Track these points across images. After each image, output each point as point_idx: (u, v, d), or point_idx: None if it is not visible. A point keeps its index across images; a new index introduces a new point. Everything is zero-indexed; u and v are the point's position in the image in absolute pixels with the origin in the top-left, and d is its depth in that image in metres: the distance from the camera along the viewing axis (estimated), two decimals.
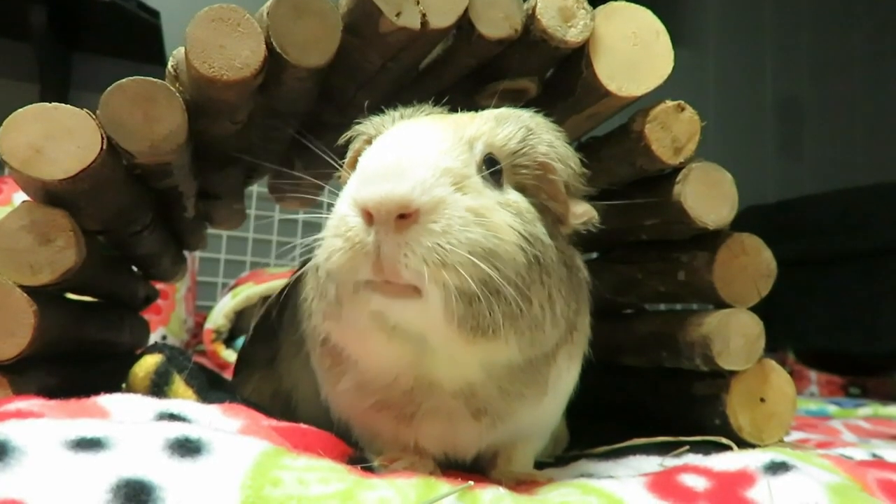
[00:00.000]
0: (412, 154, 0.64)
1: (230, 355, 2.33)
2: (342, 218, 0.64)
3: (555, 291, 0.70)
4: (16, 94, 2.57)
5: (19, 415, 0.64)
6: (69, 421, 0.60)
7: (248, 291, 2.45)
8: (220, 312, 2.44)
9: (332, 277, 0.66)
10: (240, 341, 2.40)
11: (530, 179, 0.73)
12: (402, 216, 0.60)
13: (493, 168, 0.70)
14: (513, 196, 0.71)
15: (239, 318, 2.45)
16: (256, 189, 2.76)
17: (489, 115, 0.75)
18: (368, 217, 0.61)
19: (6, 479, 0.50)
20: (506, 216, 0.67)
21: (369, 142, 0.77)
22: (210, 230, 1.54)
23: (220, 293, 2.83)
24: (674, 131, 0.92)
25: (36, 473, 0.51)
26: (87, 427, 0.58)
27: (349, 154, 0.80)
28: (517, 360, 0.70)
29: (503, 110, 0.76)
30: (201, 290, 2.82)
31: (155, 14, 2.50)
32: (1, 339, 0.77)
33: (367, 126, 0.79)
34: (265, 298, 2.45)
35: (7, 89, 2.61)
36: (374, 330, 0.66)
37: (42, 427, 0.57)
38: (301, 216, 2.99)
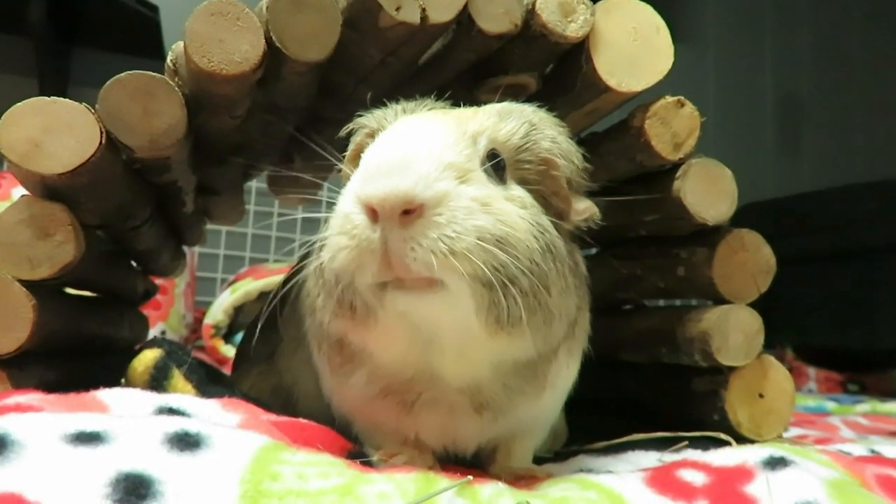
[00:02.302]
0: (415, 149, 0.64)
1: (229, 350, 2.33)
2: (346, 216, 0.63)
3: (566, 283, 0.70)
4: (15, 89, 2.54)
5: (19, 409, 0.64)
6: (68, 415, 0.60)
7: (248, 287, 2.45)
8: (220, 308, 2.44)
9: (340, 278, 0.65)
10: (238, 336, 2.40)
11: (533, 175, 0.73)
12: (406, 211, 0.60)
13: (495, 161, 0.70)
14: (517, 191, 0.71)
15: (238, 313, 2.45)
16: (255, 184, 2.76)
17: (492, 109, 0.75)
18: (373, 214, 0.61)
19: (5, 473, 0.50)
20: (512, 207, 0.67)
21: (371, 135, 0.76)
22: (209, 225, 1.54)
23: (219, 289, 2.82)
24: (674, 127, 0.92)
25: (35, 467, 0.51)
26: (87, 421, 0.58)
27: (351, 147, 0.80)
28: (529, 356, 0.70)
29: (506, 105, 0.76)
30: (200, 286, 2.82)
31: (154, 9, 2.50)
32: (0, 334, 0.77)
33: (368, 119, 0.79)
34: (264, 294, 2.45)
35: (6, 84, 2.60)
36: (399, 329, 0.66)
37: (41, 421, 0.57)
38: (300, 212, 2.99)
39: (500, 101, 0.78)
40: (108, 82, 0.78)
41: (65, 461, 0.52)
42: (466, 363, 0.69)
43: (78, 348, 1.02)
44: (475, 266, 0.61)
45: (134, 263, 1.30)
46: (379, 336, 0.68)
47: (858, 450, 0.99)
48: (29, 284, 0.78)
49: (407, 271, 0.61)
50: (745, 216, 0.99)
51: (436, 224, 0.61)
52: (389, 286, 0.63)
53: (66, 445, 0.54)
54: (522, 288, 0.64)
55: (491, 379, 0.71)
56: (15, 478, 0.49)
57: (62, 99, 0.78)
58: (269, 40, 0.80)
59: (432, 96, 0.81)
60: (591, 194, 0.79)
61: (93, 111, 0.78)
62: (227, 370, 1.49)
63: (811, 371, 3.03)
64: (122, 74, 0.79)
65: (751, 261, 0.98)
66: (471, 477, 0.62)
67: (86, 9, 2.51)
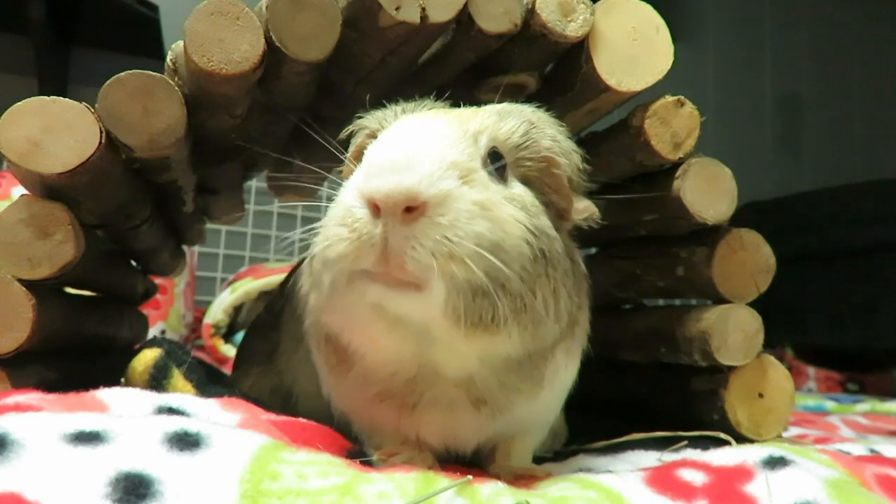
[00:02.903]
0: (419, 147, 0.64)
1: (229, 350, 2.34)
2: (348, 209, 0.64)
3: (560, 285, 0.71)
4: (14, 88, 2.56)
5: (18, 408, 0.64)
6: (68, 414, 0.60)
7: (247, 286, 2.45)
8: (219, 307, 2.44)
9: (329, 266, 0.65)
10: (238, 336, 2.40)
11: (534, 173, 0.74)
12: (409, 209, 0.60)
13: (497, 162, 0.70)
14: (518, 190, 0.71)
15: (238, 312, 2.46)
16: (255, 184, 2.76)
17: (492, 109, 0.75)
18: (375, 209, 0.61)
19: (5, 473, 0.50)
20: (511, 210, 0.67)
21: (372, 135, 0.77)
22: (209, 225, 1.54)
23: (218, 288, 2.83)
24: (673, 126, 0.92)
25: (35, 467, 0.51)
26: (86, 420, 0.58)
27: (352, 148, 0.80)
28: (518, 354, 0.70)
29: (505, 105, 0.76)
30: (200, 285, 2.82)
31: (154, 8, 2.50)
32: (0, 333, 0.77)
33: (369, 120, 0.79)
34: (264, 293, 2.45)
35: (5, 83, 2.60)
36: (373, 320, 0.66)
37: (41, 420, 0.57)
38: (300, 211, 2.99)
39: (499, 100, 0.79)
40: (107, 82, 0.78)
41: (64, 461, 0.52)
42: (455, 355, 0.69)
43: (77, 348, 1.02)
44: (470, 271, 0.61)
45: (134, 263, 1.30)
46: (357, 329, 0.68)
47: (858, 449, 0.99)
48: (29, 284, 0.78)
49: (402, 270, 0.61)
50: (744, 216, 0.99)
51: (437, 224, 0.61)
52: (364, 273, 0.63)
53: (65, 445, 0.54)
54: (510, 291, 0.64)
55: (482, 372, 0.71)
56: (14, 477, 0.49)
57: (62, 98, 0.78)
58: (268, 40, 0.80)
59: (432, 96, 0.81)
60: (590, 194, 0.79)
61: (92, 111, 0.78)
62: (227, 370, 1.50)
63: (811, 370, 3.03)
64: (122, 74, 0.79)
65: (750, 260, 0.98)
66: (470, 476, 0.62)
67: (85, 8, 2.51)
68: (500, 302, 0.63)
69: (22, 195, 0.80)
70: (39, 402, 0.67)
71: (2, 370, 0.78)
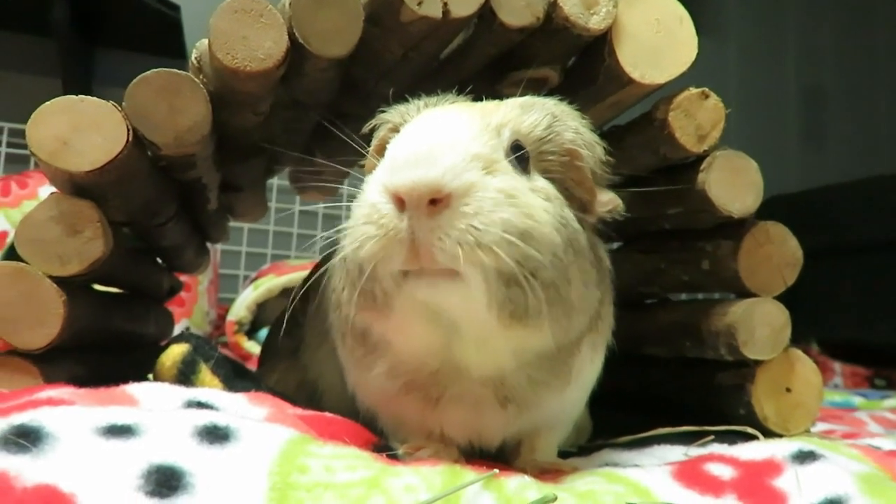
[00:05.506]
0: (442, 140, 0.64)
1: (252, 347, 2.36)
2: (373, 205, 0.64)
3: (587, 276, 0.70)
4: (39, 90, 2.58)
5: (51, 402, 0.65)
6: (100, 408, 0.60)
7: (270, 283, 2.47)
8: (242, 304, 2.46)
9: (365, 266, 0.65)
10: (262, 333, 2.42)
11: (557, 166, 0.73)
12: (433, 201, 0.60)
13: (520, 154, 0.70)
14: (541, 182, 0.71)
15: (260, 309, 2.47)
16: (277, 181, 2.76)
17: (514, 102, 0.75)
18: (400, 203, 0.61)
19: (40, 464, 0.51)
20: (537, 199, 0.67)
21: (394, 130, 0.77)
22: (232, 223, 1.55)
23: (241, 285, 2.85)
24: (698, 119, 0.91)
25: (69, 459, 0.52)
26: (118, 414, 0.58)
27: (374, 142, 0.81)
28: (549, 348, 0.70)
29: (528, 98, 0.76)
30: (223, 283, 2.84)
31: (175, 8, 2.52)
32: (31, 329, 0.78)
33: (391, 114, 0.79)
34: (286, 290, 2.47)
35: (30, 85, 2.64)
36: (417, 317, 0.66)
37: (73, 414, 0.58)
38: (321, 208, 3.01)
39: (522, 94, 0.78)
40: (134, 80, 0.79)
41: (97, 453, 0.53)
42: (488, 353, 0.69)
43: (106, 344, 1.03)
44: (500, 259, 0.61)
45: (159, 260, 1.31)
46: (398, 325, 0.68)
47: (888, 444, 0.97)
48: (59, 280, 0.79)
49: (433, 261, 0.61)
50: (769, 210, 0.98)
51: (463, 215, 0.61)
52: (411, 274, 0.63)
53: (98, 438, 0.55)
54: (544, 281, 0.64)
55: (514, 370, 0.71)
56: (49, 469, 0.50)
57: (90, 97, 0.79)
58: (291, 36, 0.81)
59: (454, 91, 0.81)
60: (614, 187, 0.79)
61: (119, 109, 0.79)
62: (250, 366, 1.51)
63: (837, 366, 2.99)
64: (148, 72, 0.80)
65: (777, 253, 0.97)
66: (497, 470, 0.62)
67: (108, 9, 2.53)
68: (535, 292, 0.63)
69: (51, 193, 0.81)
70: (71, 397, 0.68)
71: (34, 365, 0.80)
